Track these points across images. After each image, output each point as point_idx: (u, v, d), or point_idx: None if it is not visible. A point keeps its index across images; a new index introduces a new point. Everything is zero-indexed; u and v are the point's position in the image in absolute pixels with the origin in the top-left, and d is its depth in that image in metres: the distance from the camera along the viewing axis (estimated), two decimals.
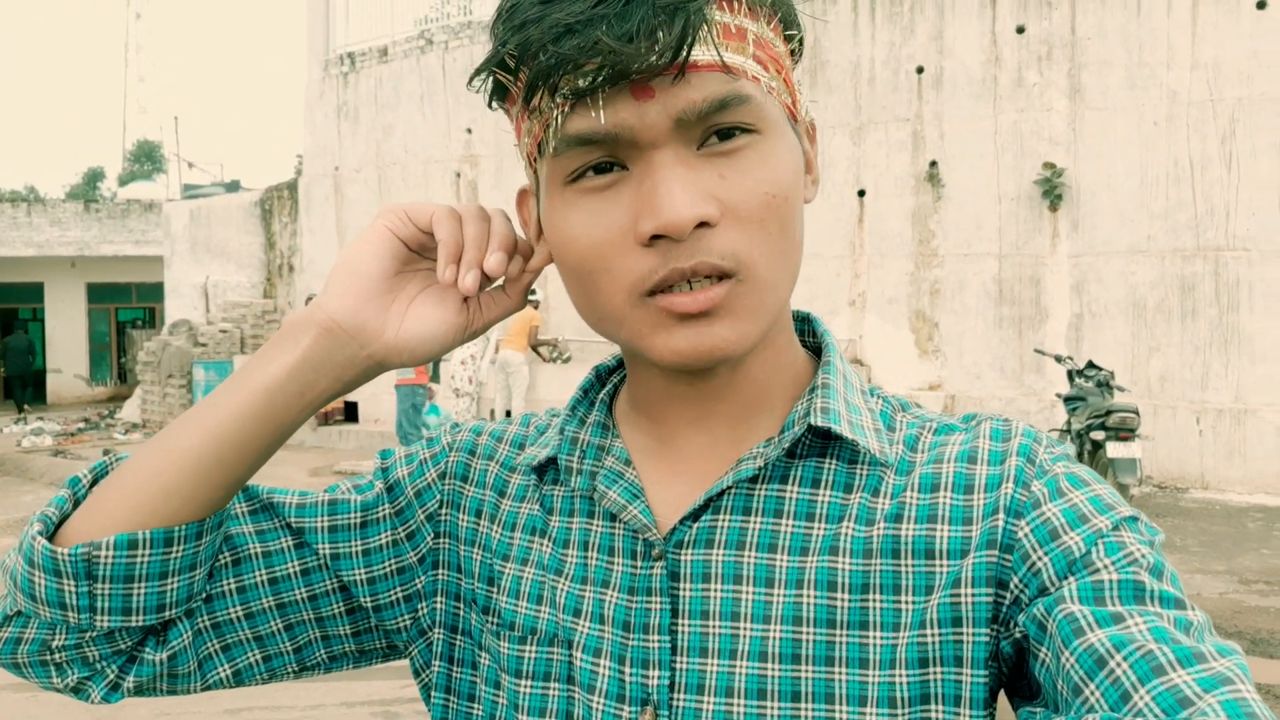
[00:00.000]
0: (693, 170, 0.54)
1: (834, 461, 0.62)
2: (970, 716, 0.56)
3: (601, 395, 0.71)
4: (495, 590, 0.68)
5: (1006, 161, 9.24)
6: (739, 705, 0.57)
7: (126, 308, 23.15)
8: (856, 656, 0.57)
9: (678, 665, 0.59)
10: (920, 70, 9.65)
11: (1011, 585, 0.56)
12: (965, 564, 0.57)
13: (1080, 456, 7.01)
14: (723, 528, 0.61)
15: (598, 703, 0.61)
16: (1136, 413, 6.85)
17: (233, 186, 20.08)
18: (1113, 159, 8.77)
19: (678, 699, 0.59)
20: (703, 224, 0.54)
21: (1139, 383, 8.39)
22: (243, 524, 0.70)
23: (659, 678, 0.59)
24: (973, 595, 0.56)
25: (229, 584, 0.68)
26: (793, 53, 0.61)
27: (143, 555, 0.61)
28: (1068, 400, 7.56)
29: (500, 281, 0.67)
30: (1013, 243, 9.24)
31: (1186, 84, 8.44)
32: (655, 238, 0.54)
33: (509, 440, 0.74)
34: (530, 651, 0.64)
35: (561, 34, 0.52)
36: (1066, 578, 0.54)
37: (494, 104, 0.61)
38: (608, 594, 0.62)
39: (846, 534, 0.59)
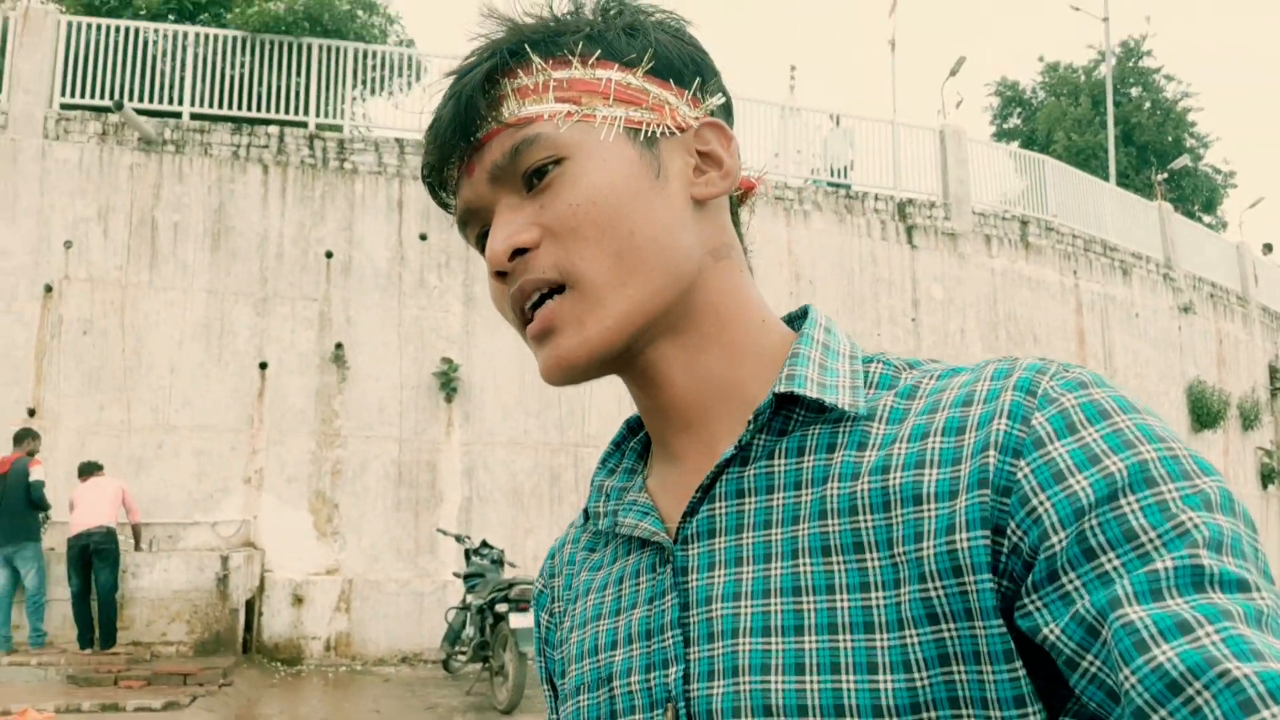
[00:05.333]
0: (518, 212, 0.62)
1: (817, 428, 0.61)
2: (994, 673, 0.51)
3: (633, 444, 0.73)
4: (566, 674, 0.69)
5: (409, 352, 9.92)
6: (745, 683, 0.56)
7: None
8: (861, 621, 0.54)
9: (691, 656, 0.59)
10: (330, 255, 9.97)
11: (1009, 531, 0.51)
12: (957, 506, 0.53)
13: (482, 629, 7.48)
14: (720, 515, 0.61)
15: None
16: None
17: None
18: (498, 361, 10.03)
19: (692, 689, 0.58)
20: (521, 251, 0.61)
21: (519, 558, 9.36)
22: None
23: (675, 673, 0.59)
24: (968, 539, 0.52)
25: None
26: (660, 73, 0.65)
27: None
28: (467, 578, 8.09)
29: None
30: (413, 428, 9.80)
31: None
32: (500, 275, 0.63)
33: (576, 523, 0.77)
34: (584, 702, 0.66)
35: (427, 158, 0.67)
36: (1100, 552, 0.48)
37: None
38: (635, 613, 0.64)
39: (832, 493, 0.58)
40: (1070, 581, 0.49)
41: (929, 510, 0.54)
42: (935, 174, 12.77)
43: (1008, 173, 14.18)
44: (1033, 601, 0.50)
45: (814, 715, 0.53)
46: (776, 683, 0.55)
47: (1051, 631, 0.49)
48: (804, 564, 0.57)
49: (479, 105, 0.62)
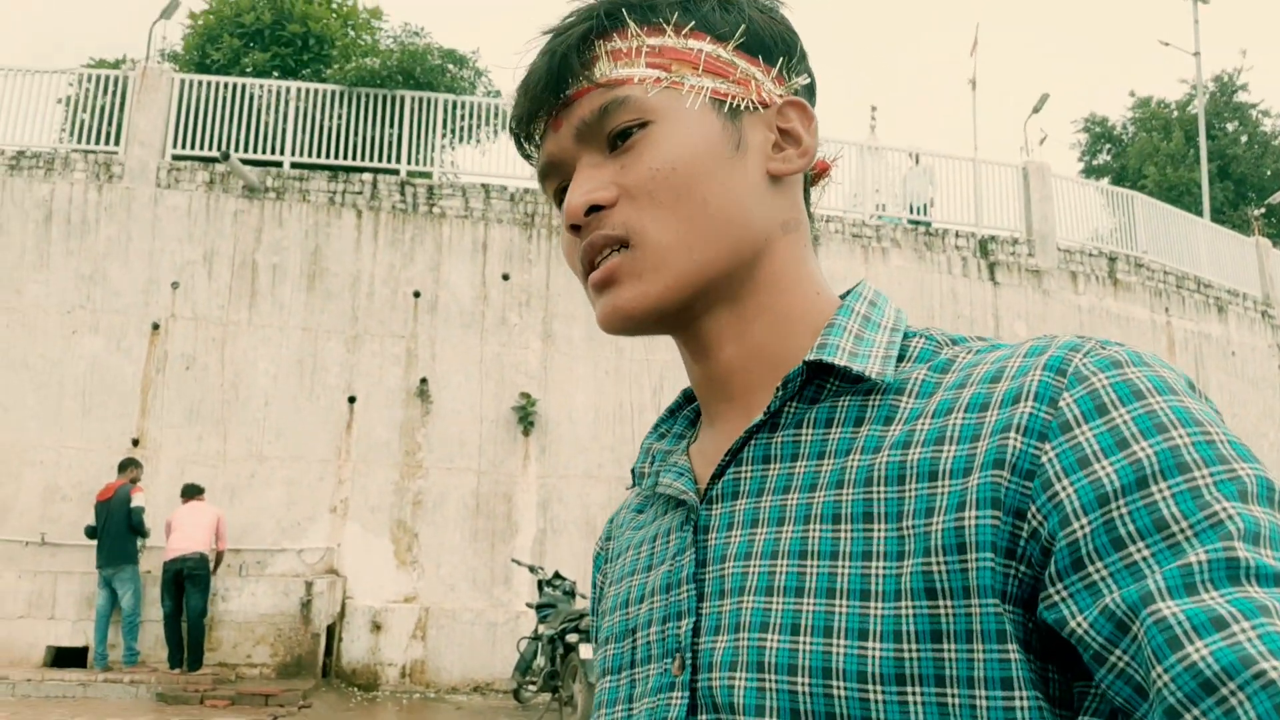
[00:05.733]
0: (599, 170, 0.64)
1: (848, 399, 0.62)
2: (984, 651, 0.50)
3: (686, 411, 0.76)
4: (602, 630, 0.72)
5: (489, 387, 10.18)
6: (743, 639, 0.57)
7: None
8: (858, 588, 0.54)
9: (703, 611, 0.61)
10: (418, 294, 10.36)
11: (1029, 515, 0.50)
12: (969, 483, 0.52)
13: (553, 659, 7.54)
14: (745, 478, 0.63)
15: (651, 670, 0.63)
16: None
17: None
18: (574, 396, 10.22)
19: (700, 642, 0.60)
20: (597, 208, 0.63)
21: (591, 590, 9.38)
22: None
23: (686, 625, 0.61)
24: (975, 518, 0.51)
25: None
26: (750, 50, 0.67)
27: None
28: (539, 608, 8.17)
29: None
30: (491, 461, 10.02)
31: (630, 344, 10.33)
32: (574, 229, 0.65)
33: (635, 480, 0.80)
34: (610, 651, 0.69)
35: (516, 110, 0.69)
36: (1129, 541, 0.47)
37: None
38: (660, 569, 0.66)
39: (852, 465, 0.58)
40: (1097, 571, 0.47)
41: (943, 487, 0.54)
42: (1018, 210, 12.55)
43: (1095, 209, 13.84)
44: (1058, 591, 0.49)
45: (802, 675, 0.54)
46: (772, 641, 0.56)
47: (1079, 625, 0.47)
48: (813, 529, 0.58)
49: (573, 63, 0.64)
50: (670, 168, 0.62)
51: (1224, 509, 0.46)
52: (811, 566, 0.57)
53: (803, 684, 0.54)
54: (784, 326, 0.66)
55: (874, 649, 0.52)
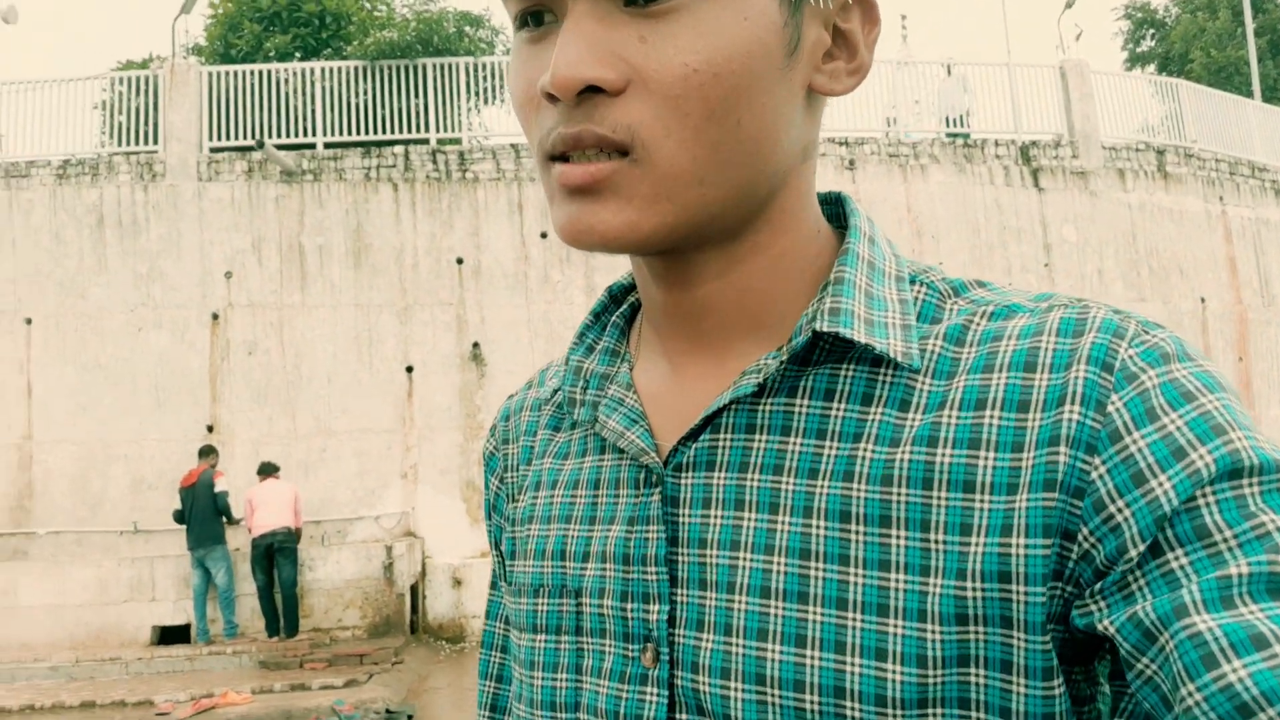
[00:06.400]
0: (606, 27, 0.48)
1: (851, 367, 0.53)
2: (1026, 687, 0.47)
3: (614, 318, 0.65)
4: (515, 561, 0.64)
5: (539, 345, 10.35)
6: (738, 645, 0.51)
7: None
8: (874, 601, 0.49)
9: (678, 598, 0.54)
10: (460, 261, 10.52)
11: (1080, 538, 0.46)
12: (1017, 505, 0.47)
13: None
14: (724, 448, 0.54)
15: (607, 646, 0.56)
16: None
17: None
18: None
19: (678, 635, 0.53)
20: (595, 89, 0.48)
21: None
22: None
23: (659, 612, 0.54)
24: (1026, 547, 0.46)
25: None
26: None
27: None
28: None
29: None
30: None
31: None
32: (553, 97, 0.49)
33: (536, 383, 0.71)
34: (542, 605, 0.60)
35: None
36: (1167, 548, 0.44)
37: None
38: (612, 530, 0.57)
39: (864, 456, 0.51)
40: (1135, 581, 0.45)
41: (981, 502, 0.48)
42: (1059, 112, 12.22)
43: (1144, 99, 13.39)
44: (1094, 600, 0.46)
45: (810, 693, 0.49)
46: (773, 652, 0.50)
47: (1107, 628, 0.45)
48: (817, 525, 0.51)
49: None
50: (712, 72, 0.48)
51: (1272, 520, 0.43)
52: (816, 570, 0.50)
53: (811, 702, 0.49)
54: (778, 268, 0.56)
55: (894, 671, 0.48)
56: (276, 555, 8.75)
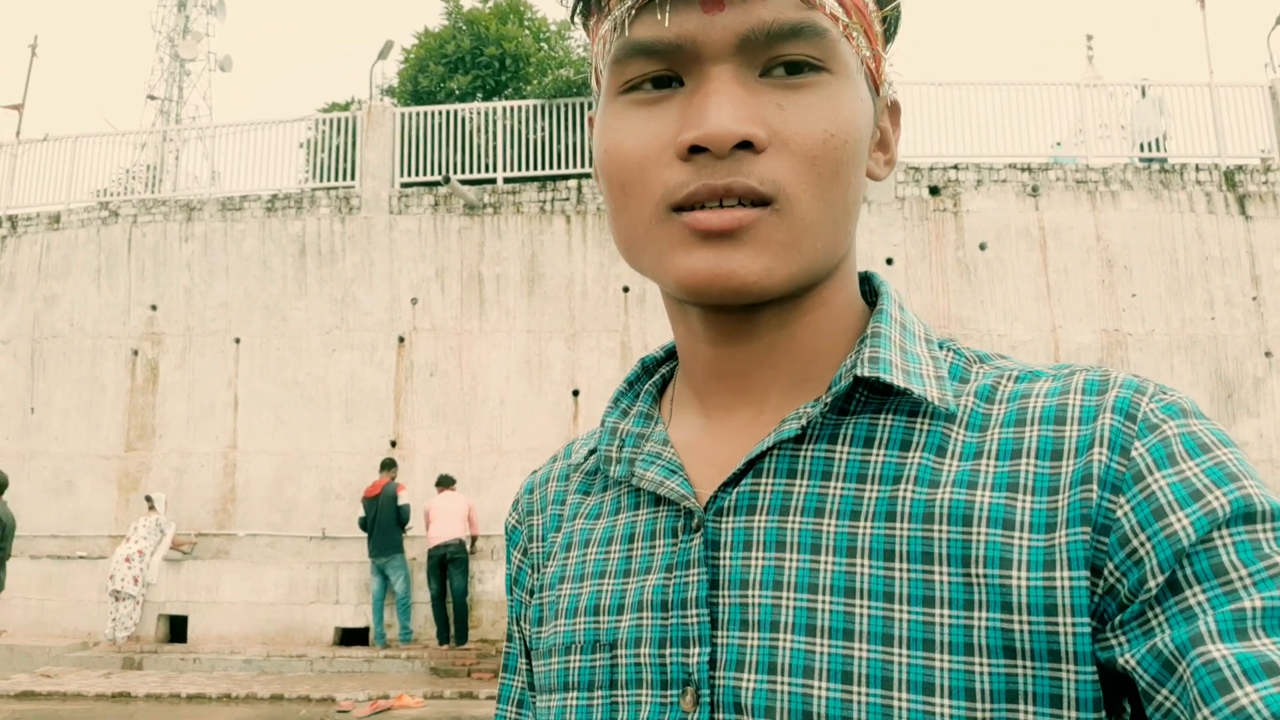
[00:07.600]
0: (749, 92, 0.52)
1: (890, 417, 0.56)
2: (1077, 719, 0.48)
3: (648, 386, 0.68)
4: (543, 626, 0.65)
5: None
6: (783, 684, 0.51)
7: None
8: (920, 636, 0.50)
9: (719, 640, 0.54)
10: (626, 289, 10.74)
11: (1105, 572, 0.48)
12: (1058, 541, 0.49)
13: None
14: (765, 492, 0.56)
15: (644, 695, 0.56)
16: None
17: None
18: None
19: (718, 677, 0.53)
20: (747, 145, 0.51)
21: None
22: None
23: (699, 655, 0.54)
24: (1070, 580, 0.48)
25: None
26: (885, 24, 0.59)
27: None
28: None
29: None
30: None
31: None
32: (695, 151, 0.52)
33: (562, 456, 0.72)
34: (574, 662, 0.60)
35: None
36: (1185, 585, 0.46)
37: (575, 19, 0.60)
38: (649, 579, 0.58)
39: (905, 496, 0.53)
40: (1155, 616, 0.47)
41: (1021, 539, 0.50)
42: (1269, 134, 11.28)
43: None
44: (1114, 635, 0.48)
45: None
46: (820, 689, 0.50)
47: (1127, 662, 0.47)
48: (861, 564, 0.52)
49: None
50: (843, 138, 0.53)
51: None
52: (861, 607, 0.51)
53: None
54: (822, 327, 0.59)
55: (942, 705, 0.48)
56: (450, 566, 9.12)
